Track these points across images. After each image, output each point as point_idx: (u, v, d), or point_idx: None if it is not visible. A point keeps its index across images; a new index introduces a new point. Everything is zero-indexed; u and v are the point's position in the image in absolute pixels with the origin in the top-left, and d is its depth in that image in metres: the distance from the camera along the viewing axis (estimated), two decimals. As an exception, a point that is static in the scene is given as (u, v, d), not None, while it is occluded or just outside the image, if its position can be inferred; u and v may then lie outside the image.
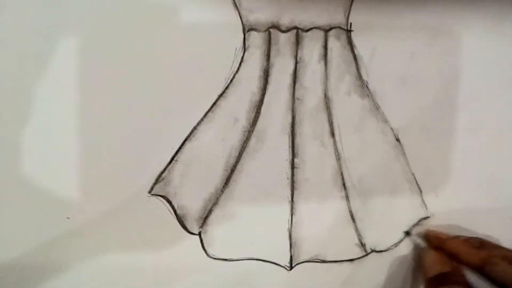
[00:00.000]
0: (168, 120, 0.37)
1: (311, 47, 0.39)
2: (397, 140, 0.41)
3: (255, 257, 0.40)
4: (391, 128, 0.41)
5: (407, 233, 0.42)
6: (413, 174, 0.42)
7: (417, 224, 0.42)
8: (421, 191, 0.42)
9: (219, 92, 0.38)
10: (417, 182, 0.42)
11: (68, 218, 0.37)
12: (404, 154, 0.42)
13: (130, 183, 0.37)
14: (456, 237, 0.39)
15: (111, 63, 0.36)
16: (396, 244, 0.42)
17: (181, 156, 0.38)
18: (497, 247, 0.37)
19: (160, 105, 0.37)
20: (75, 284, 0.38)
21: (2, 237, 0.36)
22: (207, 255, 0.39)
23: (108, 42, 0.36)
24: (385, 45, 0.40)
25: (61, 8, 0.35)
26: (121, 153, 0.37)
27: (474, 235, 0.40)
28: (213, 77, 0.38)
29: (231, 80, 0.38)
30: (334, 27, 0.39)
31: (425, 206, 0.42)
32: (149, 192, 0.38)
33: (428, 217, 0.42)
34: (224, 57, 0.37)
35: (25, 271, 0.37)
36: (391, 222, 0.42)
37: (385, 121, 0.41)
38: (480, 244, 0.37)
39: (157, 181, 0.38)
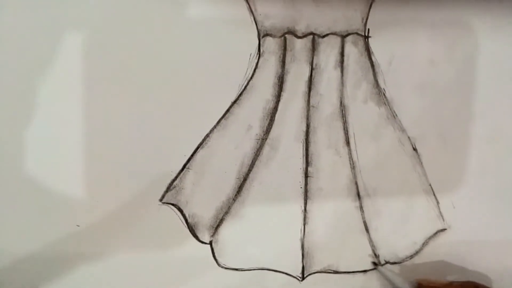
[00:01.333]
0: (180, 127, 0.37)
1: (328, 53, 0.38)
2: (414, 149, 0.40)
3: (267, 267, 0.39)
4: (408, 137, 0.40)
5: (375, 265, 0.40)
6: (430, 184, 0.41)
7: (433, 236, 0.41)
8: (438, 202, 0.41)
9: (233, 98, 0.37)
10: (434, 193, 0.41)
11: (78, 226, 0.36)
12: (421, 163, 0.41)
13: (140, 191, 0.37)
14: (449, 285, 0.37)
15: (122, 68, 0.35)
16: (411, 256, 0.41)
17: (193, 164, 0.37)
18: None
19: (172, 112, 0.36)
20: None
21: (9, 237, 0.36)
22: (218, 264, 0.39)
23: (119, 47, 0.35)
24: (403, 52, 0.39)
25: (65, 5, 0.34)
26: (132, 160, 0.36)
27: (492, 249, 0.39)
28: (227, 84, 0.37)
29: (245, 87, 0.37)
30: (351, 33, 0.38)
31: (442, 217, 0.41)
32: (160, 200, 0.37)
33: (445, 229, 0.41)
34: (239, 63, 0.37)
35: (31, 271, 0.36)
36: (406, 234, 0.41)
37: (402, 130, 0.40)
38: None
39: (168, 189, 0.37)
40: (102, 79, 0.35)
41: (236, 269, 0.39)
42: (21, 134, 0.35)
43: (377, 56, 0.39)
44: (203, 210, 0.38)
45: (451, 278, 0.41)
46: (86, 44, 0.35)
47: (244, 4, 0.36)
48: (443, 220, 0.41)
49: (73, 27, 0.34)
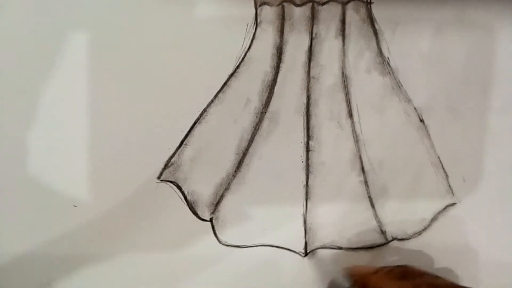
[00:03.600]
0: (177, 102, 0.36)
1: (328, 21, 0.36)
2: (421, 120, 0.39)
3: (269, 243, 0.39)
4: (415, 108, 0.38)
5: None
6: (438, 157, 0.39)
7: (443, 211, 0.40)
8: (447, 176, 0.40)
9: (230, 71, 0.36)
10: (443, 166, 0.39)
11: (75, 206, 0.36)
12: (428, 136, 0.39)
13: (137, 169, 0.36)
14: (380, 270, 0.36)
15: (117, 47, 0.35)
16: (419, 233, 0.40)
17: (191, 139, 0.37)
18: (421, 275, 0.35)
19: (167, 86, 0.36)
20: (85, 275, 0.37)
21: (13, 234, 0.36)
22: (219, 241, 0.38)
23: (114, 27, 0.35)
24: (408, 18, 0.37)
25: (69, 4, 0.34)
26: (128, 137, 0.36)
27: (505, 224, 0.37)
28: (223, 56, 0.36)
29: (243, 59, 0.36)
30: (353, 0, 0.36)
31: (452, 191, 0.40)
32: (158, 177, 0.37)
33: (455, 203, 0.40)
34: (235, 34, 0.36)
35: (35, 266, 0.37)
36: (415, 209, 0.39)
37: (408, 100, 0.38)
38: (403, 274, 0.35)
39: (166, 166, 0.36)
40: (106, 75, 0.35)
41: (238, 246, 0.38)
42: (25, 133, 0.35)
43: (380, 23, 0.37)
44: (203, 187, 0.37)
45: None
46: (91, 43, 0.34)
47: (239, -29, 0.35)
48: (453, 194, 0.40)
49: (77, 27, 0.34)
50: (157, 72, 0.35)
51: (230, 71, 0.36)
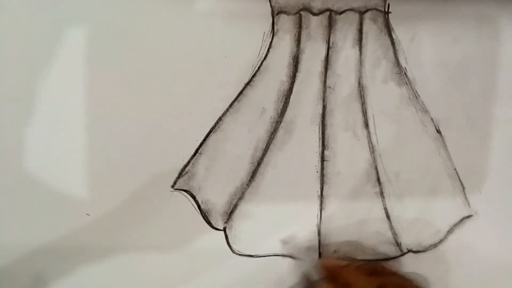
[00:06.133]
0: (192, 111, 0.36)
1: (345, 30, 0.36)
2: (438, 131, 0.38)
3: (282, 253, 0.38)
4: (432, 119, 0.38)
5: None
6: (455, 169, 0.39)
7: (459, 223, 0.39)
8: (463, 188, 0.39)
9: (246, 80, 0.36)
10: (459, 178, 0.39)
11: (88, 214, 0.36)
12: (445, 147, 0.38)
13: (152, 177, 0.36)
14: (349, 265, 0.36)
15: (130, 50, 0.35)
16: (435, 245, 0.39)
17: (206, 148, 0.36)
18: (392, 274, 0.35)
19: (183, 95, 0.35)
20: (96, 279, 0.37)
21: (21, 234, 0.36)
22: (232, 251, 0.38)
23: (124, 28, 0.34)
24: (426, 29, 0.37)
25: (67, 1, 0.33)
26: (143, 145, 0.36)
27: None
28: (239, 65, 0.36)
29: (259, 68, 0.36)
30: (370, 9, 0.36)
31: (468, 203, 0.39)
32: (172, 186, 0.36)
33: (471, 215, 0.39)
34: (251, 42, 0.35)
35: (43, 264, 0.37)
36: (430, 221, 0.39)
37: (425, 111, 0.38)
38: (373, 270, 0.35)
39: (180, 175, 0.36)
40: (107, 71, 0.35)
41: (251, 256, 0.38)
42: (24, 130, 0.35)
43: (397, 33, 0.37)
44: (217, 196, 0.37)
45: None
46: (89, 41, 0.34)
47: (257, -21, 0.35)
48: (469, 206, 0.39)
49: (75, 24, 0.34)
50: (172, 79, 0.35)
51: (246, 80, 0.36)
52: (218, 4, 0.34)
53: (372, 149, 0.38)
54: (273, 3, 0.35)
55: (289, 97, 0.37)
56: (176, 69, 0.35)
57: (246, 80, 0.36)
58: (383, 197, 0.38)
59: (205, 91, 0.36)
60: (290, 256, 0.38)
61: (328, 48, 0.36)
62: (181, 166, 0.36)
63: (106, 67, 0.35)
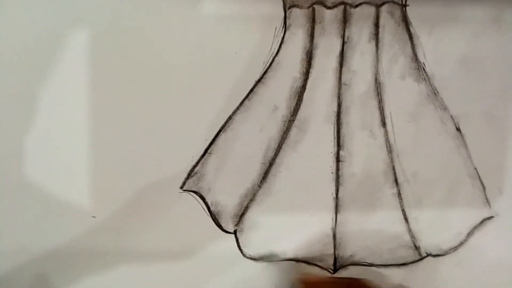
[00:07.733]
0: (201, 110, 0.35)
1: (361, 25, 0.35)
2: (458, 129, 0.37)
3: (296, 258, 0.37)
4: (451, 116, 0.37)
5: None
6: (475, 168, 0.37)
7: (480, 225, 0.38)
8: (484, 188, 0.38)
9: (257, 77, 0.35)
10: (479, 177, 0.38)
11: (94, 217, 0.35)
12: (465, 145, 0.37)
13: (160, 178, 0.35)
14: (328, 279, 0.36)
15: (136, 47, 0.34)
16: (455, 248, 0.38)
17: (215, 148, 0.35)
18: None
19: (191, 93, 0.34)
20: (102, 284, 0.36)
21: (25, 238, 0.35)
22: (243, 255, 0.37)
23: (130, 27, 0.33)
24: (445, 22, 0.36)
25: (71, 2, 0.33)
26: (151, 146, 0.35)
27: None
28: (250, 61, 0.34)
29: (270, 64, 0.35)
30: (387, 2, 0.35)
31: (489, 204, 0.38)
32: (181, 187, 0.35)
33: (492, 216, 0.38)
34: (263, 38, 0.34)
35: (48, 266, 0.36)
36: (450, 223, 0.38)
37: (444, 108, 0.36)
38: (347, 286, 0.35)
39: (189, 175, 0.35)
40: (114, 71, 0.34)
41: (262, 260, 0.37)
42: (27, 133, 0.34)
43: (415, 27, 0.35)
44: (227, 198, 0.36)
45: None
46: (94, 42, 0.33)
47: (268, -29, 0.33)
48: (490, 207, 0.38)
49: (78, 26, 0.33)
50: (180, 77, 0.34)
51: (257, 77, 0.35)
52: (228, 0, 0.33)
53: (389, 149, 0.36)
54: (285, -4, 0.34)
55: (303, 94, 0.35)
56: (184, 66, 0.34)
57: (257, 77, 0.35)
58: (401, 199, 0.37)
59: (214, 89, 0.35)
60: (305, 262, 0.37)
61: (343, 43, 0.35)
62: (190, 167, 0.35)
63: (113, 67, 0.34)
